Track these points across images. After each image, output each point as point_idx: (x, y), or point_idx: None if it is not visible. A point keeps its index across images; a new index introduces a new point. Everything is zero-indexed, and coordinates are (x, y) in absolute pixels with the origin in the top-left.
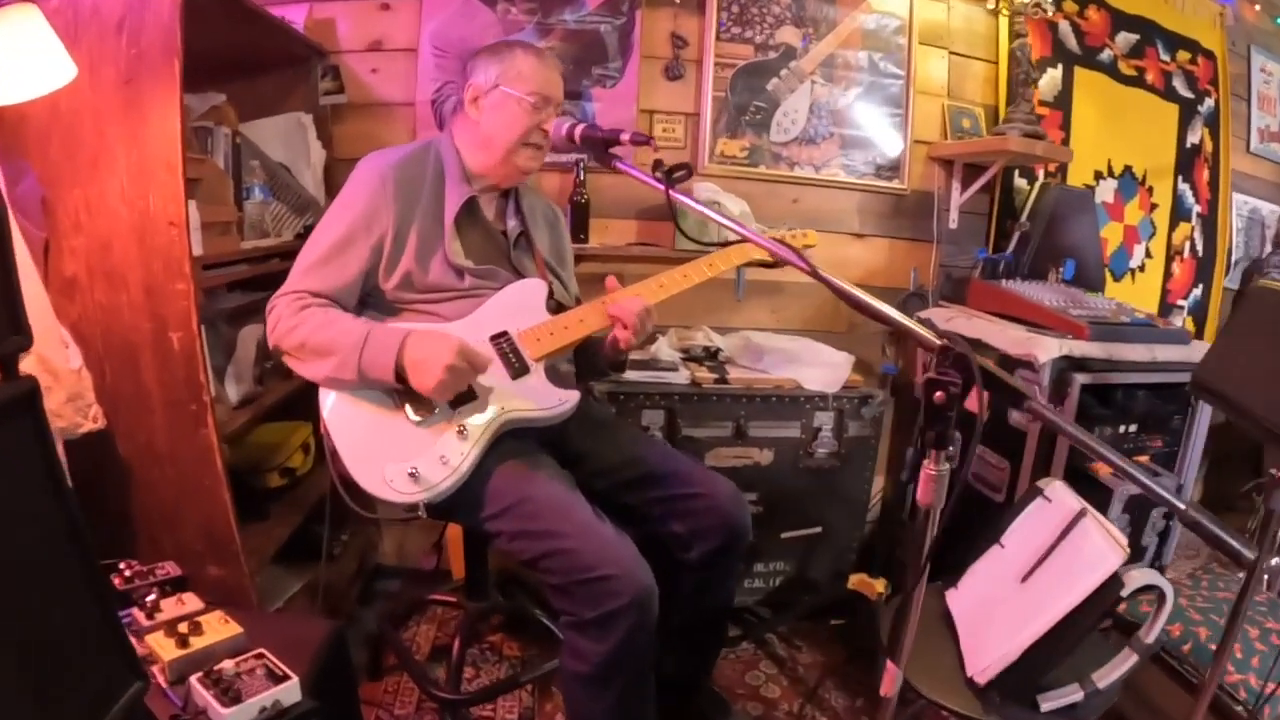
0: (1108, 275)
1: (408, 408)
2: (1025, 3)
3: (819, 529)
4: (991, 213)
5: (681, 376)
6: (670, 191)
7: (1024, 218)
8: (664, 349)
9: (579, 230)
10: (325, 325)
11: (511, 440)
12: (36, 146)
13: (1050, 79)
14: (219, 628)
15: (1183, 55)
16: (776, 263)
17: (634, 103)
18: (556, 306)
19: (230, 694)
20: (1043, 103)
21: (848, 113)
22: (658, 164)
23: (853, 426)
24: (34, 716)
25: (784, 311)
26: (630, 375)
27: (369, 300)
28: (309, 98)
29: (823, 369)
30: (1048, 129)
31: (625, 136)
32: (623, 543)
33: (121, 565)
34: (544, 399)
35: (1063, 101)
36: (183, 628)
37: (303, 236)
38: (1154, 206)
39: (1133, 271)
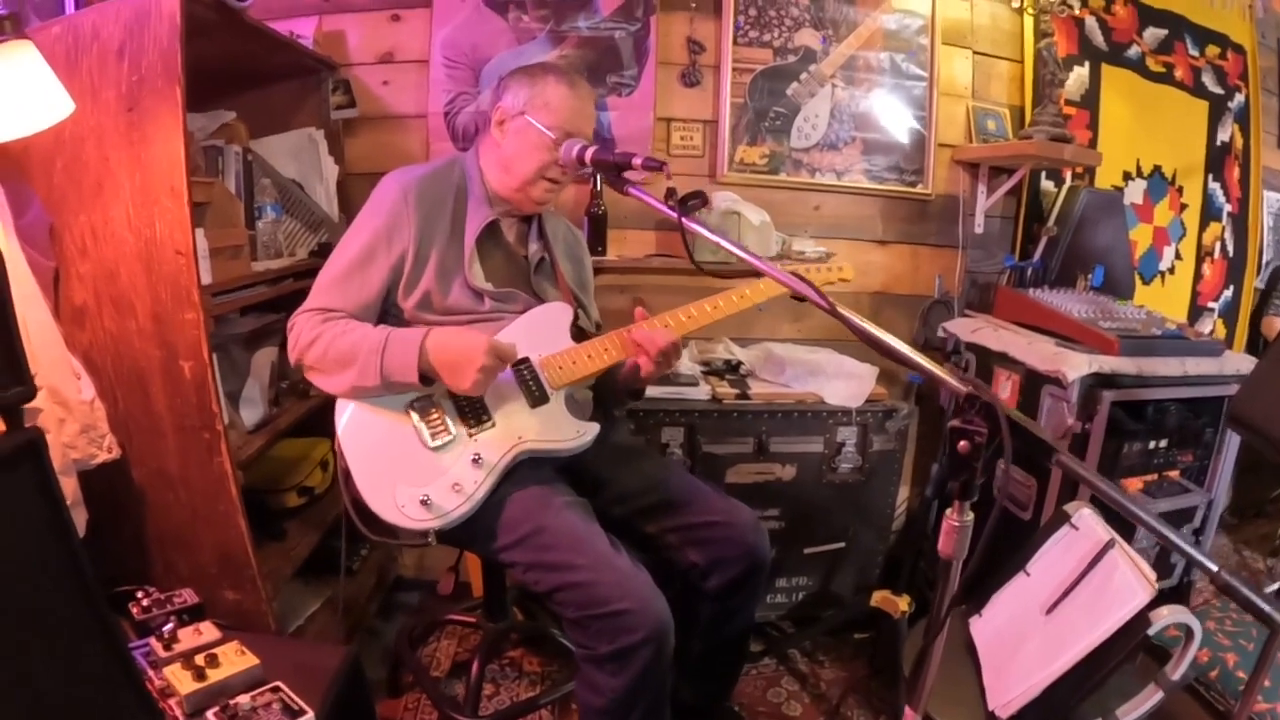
0: (1137, 279)
1: (424, 431)
2: (1051, 1)
3: (842, 544)
4: (1018, 217)
5: (702, 392)
6: (684, 220)
7: (1051, 222)
8: (685, 362)
9: (596, 242)
10: (345, 333)
11: (527, 468)
12: (41, 172)
13: (1077, 77)
14: (235, 659)
15: (1212, 50)
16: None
17: (650, 110)
18: (579, 333)
19: None
20: (1069, 102)
21: (869, 116)
22: (670, 192)
23: (877, 441)
24: None
25: (806, 322)
26: (650, 391)
27: (387, 320)
28: (320, 111)
29: (846, 382)
30: (1075, 129)
31: (638, 161)
32: (639, 576)
33: (139, 594)
34: (562, 431)
35: (1090, 100)
36: (200, 659)
37: (317, 254)
38: (1184, 207)
39: (1162, 274)
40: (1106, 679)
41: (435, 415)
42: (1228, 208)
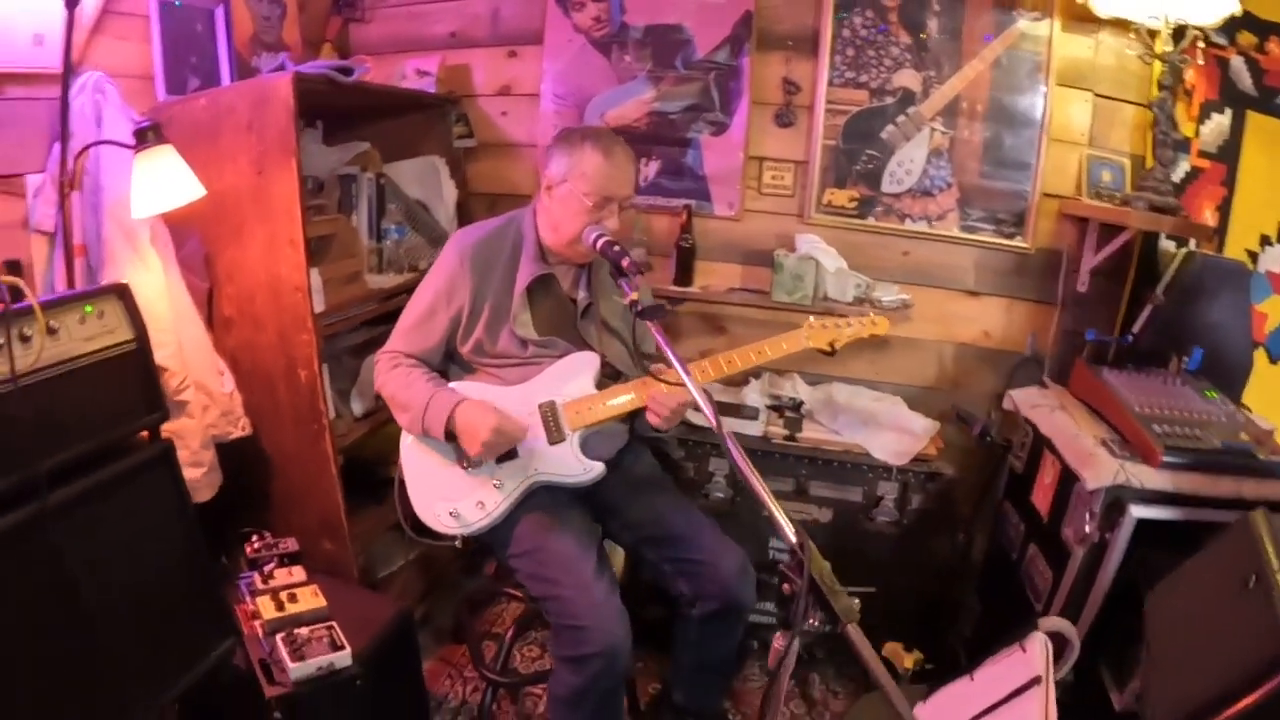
0: (1261, 356)
1: (462, 458)
2: (1172, 51)
3: (874, 589)
4: (1128, 278)
5: (757, 427)
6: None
7: (1160, 290)
8: (752, 394)
9: (683, 274)
10: (406, 386)
11: (546, 493)
12: (198, 216)
13: (1215, 126)
14: (310, 599)
15: None
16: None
17: (741, 150)
18: (614, 373)
19: (299, 653)
20: (1203, 154)
21: (969, 163)
22: (634, 303)
23: (916, 499)
24: (155, 656)
25: (883, 364)
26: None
27: (453, 357)
28: (444, 140)
29: (898, 436)
30: (1206, 185)
31: (626, 263)
32: (610, 602)
33: (255, 537)
34: (571, 467)
35: (1228, 153)
36: (284, 595)
37: None
38: None
39: None
40: None
41: None
42: None
